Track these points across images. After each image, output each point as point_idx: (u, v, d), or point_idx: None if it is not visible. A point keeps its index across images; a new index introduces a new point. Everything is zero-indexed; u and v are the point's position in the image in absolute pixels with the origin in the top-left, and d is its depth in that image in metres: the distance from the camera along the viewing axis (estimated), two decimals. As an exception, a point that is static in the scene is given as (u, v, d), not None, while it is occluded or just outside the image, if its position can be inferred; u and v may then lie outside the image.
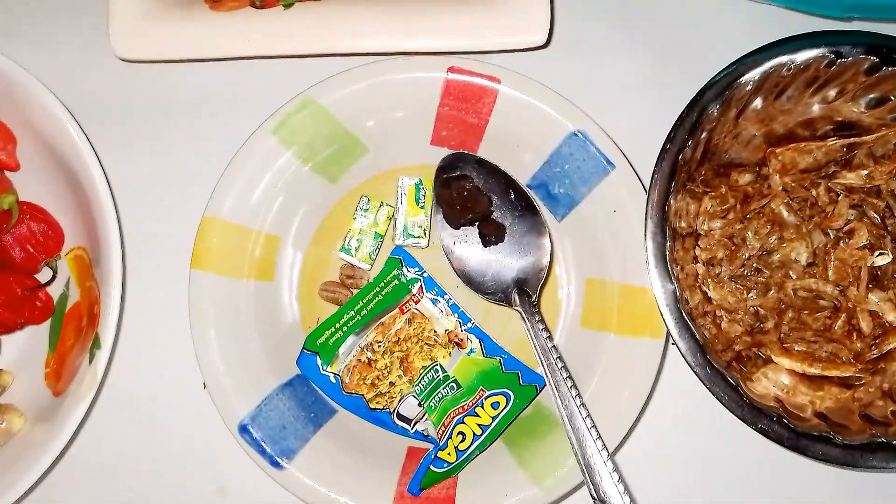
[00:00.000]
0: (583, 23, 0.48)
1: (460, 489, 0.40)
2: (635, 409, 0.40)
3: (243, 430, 0.40)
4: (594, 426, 0.39)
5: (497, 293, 0.43)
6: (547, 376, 0.40)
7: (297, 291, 0.45)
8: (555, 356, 0.40)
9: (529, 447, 0.41)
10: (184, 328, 0.41)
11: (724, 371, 0.40)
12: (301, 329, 0.44)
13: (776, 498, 0.44)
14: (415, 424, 0.43)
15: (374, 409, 0.43)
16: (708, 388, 0.39)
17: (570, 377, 0.40)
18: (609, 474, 0.38)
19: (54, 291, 0.46)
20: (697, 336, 0.40)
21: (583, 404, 0.39)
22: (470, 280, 0.44)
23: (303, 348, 0.43)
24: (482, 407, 0.42)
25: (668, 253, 0.40)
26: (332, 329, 0.43)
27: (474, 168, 0.44)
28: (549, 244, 0.44)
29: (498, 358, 0.44)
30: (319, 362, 0.43)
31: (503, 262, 0.44)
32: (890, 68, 0.42)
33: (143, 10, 0.42)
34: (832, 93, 0.44)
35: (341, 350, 0.43)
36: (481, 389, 0.42)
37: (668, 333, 0.40)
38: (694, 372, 0.39)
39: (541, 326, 0.41)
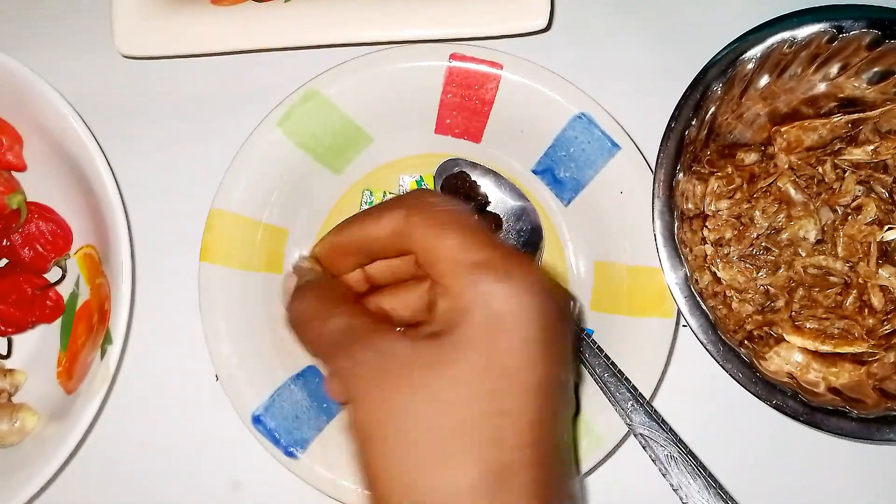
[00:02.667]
0: (585, 6, 0.48)
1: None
2: (648, 390, 0.40)
3: (257, 420, 0.40)
4: (622, 373, 0.40)
5: None
6: None
7: (307, 283, 0.45)
8: None
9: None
10: (194, 322, 0.41)
11: (737, 348, 0.40)
12: (311, 320, 0.44)
13: (792, 473, 0.44)
14: None
15: None
16: (721, 366, 0.39)
17: (585, 334, 0.41)
18: (644, 406, 0.39)
19: (65, 290, 0.46)
20: (709, 314, 0.40)
21: (606, 355, 0.40)
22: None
23: None
24: None
25: (676, 231, 0.40)
26: None
27: (468, 167, 0.45)
28: (541, 227, 0.45)
29: None
30: None
31: (503, 246, 0.45)
32: (892, 42, 0.42)
33: (146, 8, 0.42)
34: (835, 69, 0.44)
35: None
36: None
37: (679, 312, 0.40)
38: (706, 349, 0.39)
39: None
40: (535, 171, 0.45)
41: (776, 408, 0.39)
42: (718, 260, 0.45)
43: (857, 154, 0.46)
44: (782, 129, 0.46)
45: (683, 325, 0.42)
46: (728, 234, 0.45)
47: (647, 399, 0.39)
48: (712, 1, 0.49)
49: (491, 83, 0.43)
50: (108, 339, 0.41)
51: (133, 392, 0.44)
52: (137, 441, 0.44)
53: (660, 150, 0.41)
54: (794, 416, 0.39)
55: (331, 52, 0.43)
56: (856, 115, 0.46)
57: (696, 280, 0.43)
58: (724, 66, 0.41)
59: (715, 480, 0.37)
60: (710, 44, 0.42)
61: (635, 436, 0.38)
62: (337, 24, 0.42)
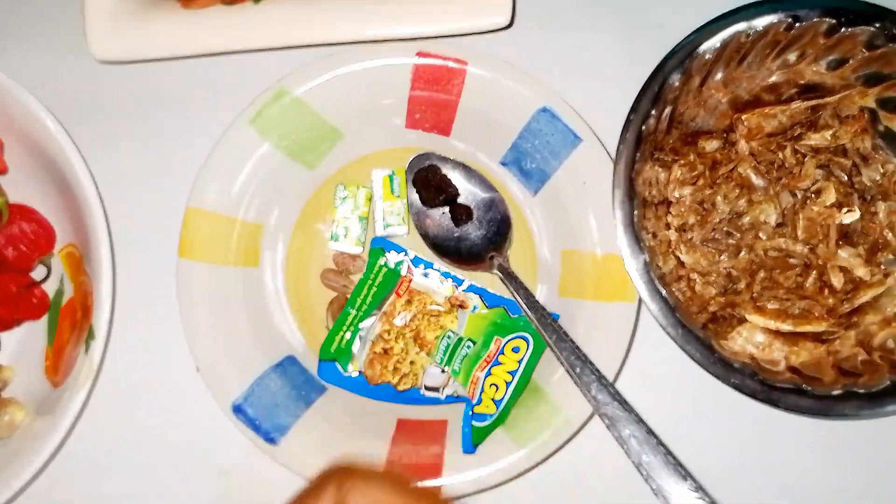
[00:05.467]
0: (550, 2, 0.50)
1: (447, 455, 0.42)
2: (612, 371, 0.42)
3: (237, 409, 0.42)
4: (587, 356, 0.41)
5: (474, 262, 0.46)
6: (533, 320, 0.42)
7: (284, 276, 0.46)
8: (533, 299, 0.43)
9: (512, 413, 0.43)
10: (175, 315, 0.42)
11: (697, 330, 0.41)
12: (289, 312, 0.46)
13: (750, 450, 0.46)
14: (444, 390, 0.45)
15: (404, 389, 0.44)
16: (680, 347, 0.40)
17: (552, 318, 0.42)
18: (608, 388, 0.40)
19: (50, 288, 0.47)
20: (668, 298, 0.41)
21: (571, 339, 0.41)
22: (447, 254, 0.47)
23: (319, 360, 0.45)
24: (504, 354, 0.44)
25: (635, 220, 0.42)
26: (341, 333, 0.45)
27: (439, 161, 0.47)
28: (510, 216, 0.47)
29: (502, 306, 0.45)
30: (339, 368, 0.44)
31: (475, 236, 0.46)
32: (848, 29, 0.43)
33: (118, 13, 0.43)
34: (793, 56, 0.45)
35: (355, 349, 0.45)
36: (496, 339, 0.44)
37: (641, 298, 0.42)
38: (666, 332, 0.41)
39: (518, 281, 0.44)
40: (503, 163, 0.47)
41: (734, 387, 0.40)
42: (682, 245, 0.46)
43: (817, 139, 0.47)
44: (743, 117, 0.47)
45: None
46: (691, 220, 0.47)
47: (611, 381, 0.41)
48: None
49: (457, 79, 0.44)
50: (91, 335, 0.42)
51: (118, 385, 0.46)
52: (125, 432, 0.45)
53: (619, 141, 0.42)
54: (752, 395, 0.40)
55: (301, 52, 0.44)
56: (815, 101, 0.47)
57: (659, 265, 0.44)
58: (681, 57, 0.42)
59: (674, 457, 0.38)
60: (676, 35, 0.43)
61: (600, 416, 0.40)
62: (305, 25, 0.43)
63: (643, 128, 0.42)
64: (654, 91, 0.42)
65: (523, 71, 0.44)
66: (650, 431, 0.39)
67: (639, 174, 0.43)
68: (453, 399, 0.44)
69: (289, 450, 0.42)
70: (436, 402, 0.44)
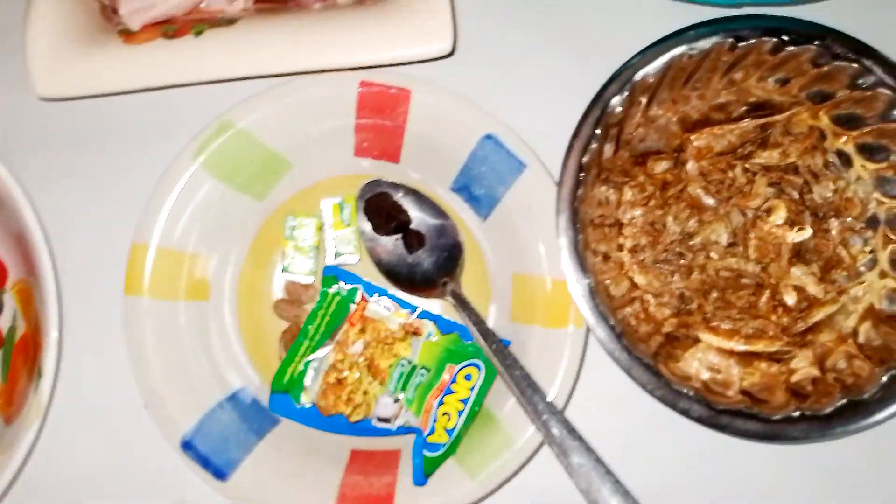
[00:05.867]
0: (498, 24, 0.50)
1: (399, 486, 0.42)
2: (562, 398, 0.42)
3: (186, 445, 0.42)
4: (536, 384, 0.41)
5: (427, 288, 0.46)
6: (485, 348, 0.42)
7: (236, 308, 0.46)
8: (485, 326, 0.43)
9: (465, 442, 0.43)
10: (124, 350, 0.42)
11: (646, 356, 0.41)
12: (242, 344, 0.46)
13: (699, 475, 0.46)
14: (396, 420, 0.44)
15: (356, 420, 0.44)
16: (626, 372, 0.40)
17: (502, 345, 0.42)
18: (557, 416, 0.40)
19: (3, 324, 0.47)
20: (615, 324, 0.41)
21: (521, 367, 0.41)
22: (400, 281, 0.46)
23: (271, 392, 0.44)
24: (456, 382, 0.44)
25: (580, 245, 0.41)
26: (294, 364, 0.44)
27: (390, 188, 0.47)
28: (461, 242, 0.47)
29: (455, 332, 0.45)
30: (292, 399, 0.44)
31: (427, 262, 0.46)
32: (791, 48, 0.43)
33: (60, 49, 0.43)
34: (739, 75, 0.45)
35: (307, 380, 0.44)
36: (450, 367, 0.44)
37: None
38: (612, 358, 0.41)
39: (470, 308, 0.44)
40: (453, 189, 0.47)
41: (681, 412, 0.40)
42: (635, 266, 0.46)
43: (766, 157, 0.47)
44: (692, 137, 0.47)
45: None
46: (643, 241, 0.47)
47: (560, 408, 0.41)
48: (624, 16, 0.50)
49: (401, 106, 0.44)
50: (39, 372, 0.42)
51: (70, 421, 0.45)
52: (79, 468, 0.45)
53: (562, 167, 0.42)
54: (700, 421, 0.40)
55: (245, 84, 0.44)
56: (763, 119, 0.47)
57: (609, 288, 0.44)
58: (622, 82, 0.42)
59: (622, 485, 0.38)
60: (624, 58, 0.43)
61: (549, 445, 0.40)
62: (247, 57, 0.43)
63: (587, 153, 0.42)
64: (595, 116, 0.42)
65: (467, 98, 0.44)
66: (598, 460, 0.39)
67: (583, 200, 0.42)
68: (405, 430, 0.44)
69: (239, 485, 0.41)
70: (388, 433, 0.44)
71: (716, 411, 0.40)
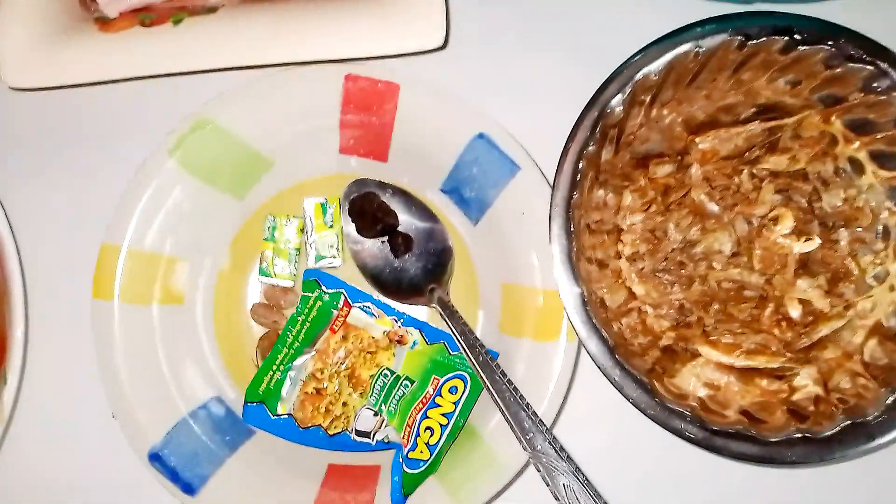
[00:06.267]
0: (494, 19, 0.47)
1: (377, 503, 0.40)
2: (550, 415, 0.40)
3: (154, 457, 0.40)
4: (524, 399, 0.39)
5: (414, 294, 0.44)
6: (471, 360, 0.40)
7: (212, 313, 0.44)
8: (472, 337, 0.41)
9: (447, 460, 0.41)
10: (92, 357, 0.40)
11: (640, 372, 0.39)
12: (217, 351, 0.44)
13: (693, 496, 0.44)
14: (374, 435, 0.42)
15: (334, 434, 0.42)
16: (618, 390, 0.38)
17: (491, 358, 0.40)
18: (544, 434, 0.38)
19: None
20: (608, 338, 0.39)
21: (509, 381, 0.39)
22: (386, 286, 0.44)
23: (245, 402, 0.42)
24: (441, 396, 0.42)
25: (573, 255, 0.39)
26: (270, 373, 0.42)
27: (377, 188, 0.44)
28: (451, 247, 0.44)
29: (441, 342, 0.43)
30: (267, 410, 0.42)
31: (415, 267, 0.44)
32: (802, 48, 0.41)
33: (33, 38, 0.41)
34: (747, 75, 0.43)
35: (284, 390, 0.42)
36: (434, 378, 0.42)
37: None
38: (604, 374, 0.38)
39: (458, 317, 0.42)
40: (443, 191, 0.45)
41: (675, 433, 0.38)
42: (634, 275, 0.44)
43: (775, 162, 0.44)
44: (698, 139, 0.45)
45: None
46: (642, 249, 0.44)
47: (548, 426, 0.39)
48: (625, 12, 0.47)
49: (389, 104, 0.42)
50: (3, 379, 0.40)
51: (34, 429, 0.44)
52: (42, 479, 0.43)
53: (556, 171, 0.39)
54: (695, 442, 0.38)
55: (224, 75, 0.42)
56: (772, 123, 0.44)
57: (605, 299, 0.42)
58: (623, 81, 0.40)
59: (611, 509, 0.36)
60: (624, 54, 0.41)
61: (534, 465, 0.38)
62: (228, 48, 0.41)
63: (583, 156, 0.40)
64: (592, 118, 0.40)
65: (458, 95, 0.41)
66: (587, 482, 0.37)
67: (579, 205, 0.40)
68: (384, 445, 0.42)
69: (209, 501, 0.39)
70: (366, 448, 0.42)
71: (710, 433, 0.38)
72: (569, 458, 0.37)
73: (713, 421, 0.39)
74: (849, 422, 0.38)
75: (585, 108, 0.40)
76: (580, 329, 0.39)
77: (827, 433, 0.38)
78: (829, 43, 0.40)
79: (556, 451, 0.37)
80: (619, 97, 0.40)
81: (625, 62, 0.40)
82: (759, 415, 0.40)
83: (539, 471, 0.38)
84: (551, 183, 0.41)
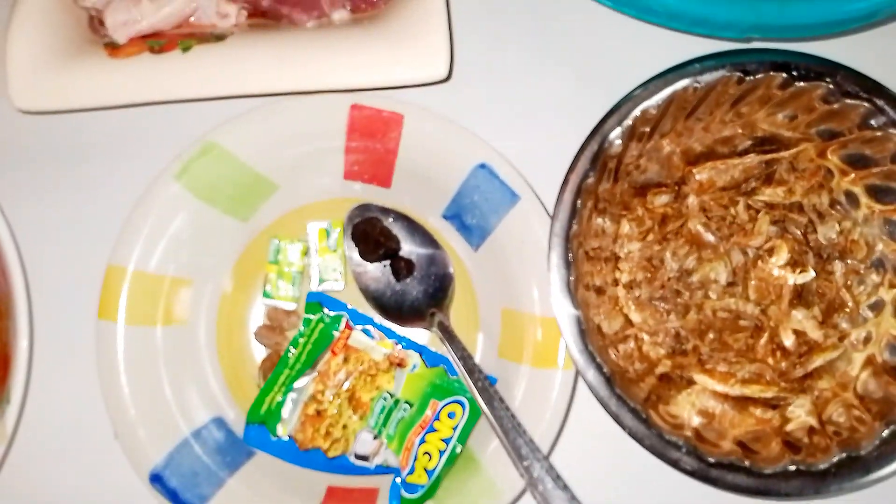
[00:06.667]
0: (498, 48, 0.48)
1: (374, 529, 0.40)
2: (547, 443, 0.40)
3: (155, 478, 0.40)
4: (521, 426, 0.39)
5: (414, 318, 0.44)
6: (469, 385, 0.40)
7: (215, 334, 0.45)
8: (471, 362, 0.41)
9: (444, 485, 0.41)
10: (95, 377, 0.41)
11: (637, 402, 0.40)
12: (220, 371, 0.44)
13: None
14: (374, 458, 0.43)
15: (334, 456, 0.42)
16: (615, 420, 0.39)
17: (488, 383, 0.40)
18: (541, 462, 0.38)
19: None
20: (605, 367, 0.39)
21: (507, 407, 0.40)
22: (387, 310, 0.45)
23: (246, 423, 0.43)
24: (439, 420, 0.42)
25: (571, 283, 0.40)
26: (272, 394, 0.43)
27: (380, 213, 0.45)
28: (452, 273, 0.45)
29: (441, 366, 0.44)
30: (268, 431, 0.43)
31: (416, 291, 0.45)
32: (800, 84, 0.41)
33: (42, 62, 0.42)
34: (745, 109, 0.43)
35: (285, 411, 0.43)
36: (433, 402, 0.42)
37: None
38: (601, 403, 0.39)
39: (457, 342, 0.42)
40: (445, 217, 0.45)
41: (671, 464, 0.39)
42: (631, 302, 0.45)
43: (771, 194, 0.45)
44: (695, 170, 0.45)
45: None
46: (639, 276, 0.45)
47: (545, 453, 0.39)
48: (626, 45, 0.48)
49: (393, 132, 0.43)
50: (6, 399, 0.41)
51: (36, 449, 0.44)
52: (44, 499, 0.44)
53: (556, 201, 0.40)
54: (690, 473, 0.38)
55: (231, 103, 0.43)
56: (769, 155, 0.45)
57: (602, 326, 0.43)
58: (622, 115, 0.41)
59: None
60: (625, 86, 0.41)
61: (531, 492, 0.38)
62: (236, 75, 0.42)
63: (583, 187, 0.41)
64: (592, 150, 0.40)
65: (461, 125, 0.42)
66: (583, 510, 0.37)
67: (577, 235, 0.41)
68: (383, 469, 0.42)
69: (209, 522, 0.40)
70: (365, 471, 0.42)
71: (707, 464, 0.39)
72: (565, 487, 0.38)
73: (708, 451, 0.39)
74: (844, 455, 0.39)
75: (586, 140, 0.41)
76: (578, 359, 0.39)
77: (822, 466, 0.38)
78: (827, 79, 0.40)
79: (552, 480, 0.38)
80: (618, 130, 0.41)
81: (625, 97, 0.41)
82: (753, 446, 0.40)
83: (536, 498, 0.38)
84: (551, 212, 0.41)
